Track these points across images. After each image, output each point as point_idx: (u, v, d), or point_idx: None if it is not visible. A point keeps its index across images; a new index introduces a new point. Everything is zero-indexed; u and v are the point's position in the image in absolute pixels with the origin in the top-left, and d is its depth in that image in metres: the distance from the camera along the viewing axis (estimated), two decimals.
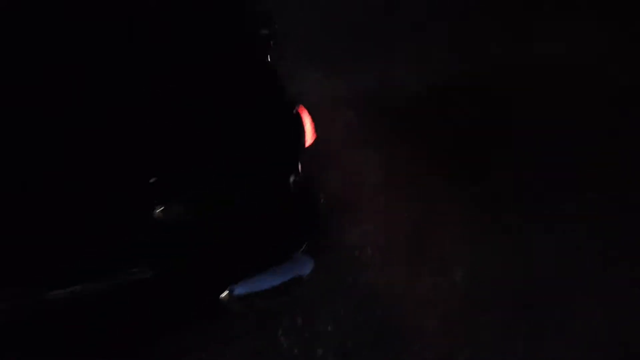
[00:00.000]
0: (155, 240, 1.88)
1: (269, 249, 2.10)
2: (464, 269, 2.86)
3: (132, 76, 1.97)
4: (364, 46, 3.85)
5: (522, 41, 3.88)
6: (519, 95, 3.59)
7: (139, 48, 2.05)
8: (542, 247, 2.97)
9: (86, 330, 1.98)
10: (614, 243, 2.99)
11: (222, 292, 2.03)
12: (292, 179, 2.05)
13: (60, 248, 1.82)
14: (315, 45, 3.82)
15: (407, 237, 2.98)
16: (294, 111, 2.01)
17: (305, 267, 2.25)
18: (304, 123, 2.00)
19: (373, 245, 2.94)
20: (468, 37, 3.86)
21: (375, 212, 3.05)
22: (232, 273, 2.05)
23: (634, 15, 4.03)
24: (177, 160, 1.88)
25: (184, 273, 1.99)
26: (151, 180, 1.83)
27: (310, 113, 3.47)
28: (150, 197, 1.83)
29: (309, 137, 2.01)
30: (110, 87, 1.91)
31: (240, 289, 2.07)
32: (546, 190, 3.15)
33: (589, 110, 3.51)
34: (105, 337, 2.03)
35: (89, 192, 1.81)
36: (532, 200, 3.14)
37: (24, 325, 1.89)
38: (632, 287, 2.85)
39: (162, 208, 1.82)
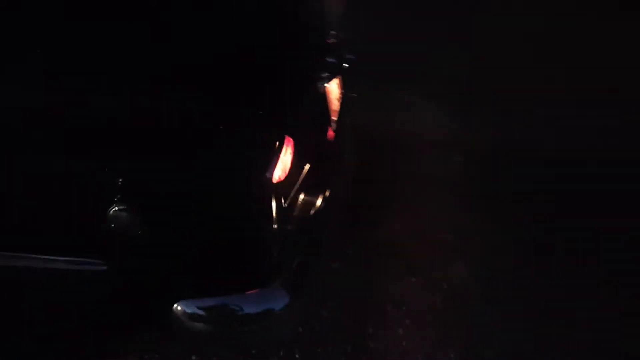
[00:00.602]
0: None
1: (232, 272, 2.09)
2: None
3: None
4: (485, 93, 3.58)
5: None
6: None
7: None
8: None
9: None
10: None
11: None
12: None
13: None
14: (441, 86, 3.67)
15: (449, 305, 2.72)
16: (277, 139, 1.96)
17: (279, 302, 2.18)
18: (280, 154, 1.94)
19: (408, 304, 2.74)
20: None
21: (428, 268, 2.82)
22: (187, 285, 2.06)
23: None
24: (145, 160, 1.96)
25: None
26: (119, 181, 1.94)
27: (420, 147, 3.34)
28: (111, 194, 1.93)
29: (280, 172, 1.95)
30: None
31: (197, 306, 2.08)
32: None
33: None
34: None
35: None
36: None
37: None
38: None
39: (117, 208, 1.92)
